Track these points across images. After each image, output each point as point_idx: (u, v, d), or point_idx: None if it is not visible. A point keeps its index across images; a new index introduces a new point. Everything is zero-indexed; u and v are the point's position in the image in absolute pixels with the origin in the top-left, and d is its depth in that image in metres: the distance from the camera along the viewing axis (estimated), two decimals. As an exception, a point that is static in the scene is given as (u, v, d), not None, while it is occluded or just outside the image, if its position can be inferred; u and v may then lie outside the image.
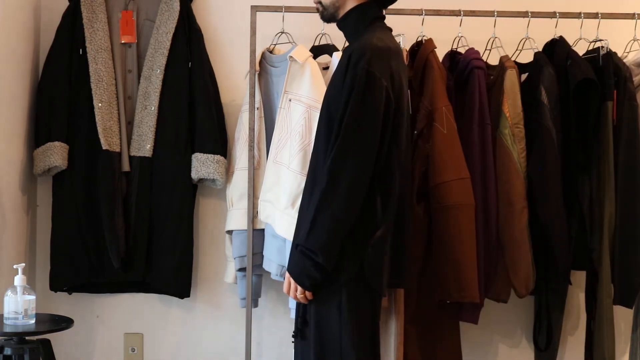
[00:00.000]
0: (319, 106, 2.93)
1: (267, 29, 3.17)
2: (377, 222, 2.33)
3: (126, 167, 3.23)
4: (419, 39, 3.12)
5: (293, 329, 2.46)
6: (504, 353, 3.51)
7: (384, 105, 2.30)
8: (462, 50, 3.15)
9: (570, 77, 3.03)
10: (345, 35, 2.53)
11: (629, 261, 3.03)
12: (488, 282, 3.04)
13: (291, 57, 3.02)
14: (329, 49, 3.16)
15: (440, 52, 3.12)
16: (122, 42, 3.29)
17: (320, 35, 3.20)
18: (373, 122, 2.28)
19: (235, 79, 3.39)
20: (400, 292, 2.92)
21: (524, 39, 3.21)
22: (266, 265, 3.09)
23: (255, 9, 3.12)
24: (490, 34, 3.19)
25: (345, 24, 2.48)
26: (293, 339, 2.46)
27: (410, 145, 2.86)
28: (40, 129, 3.22)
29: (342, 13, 2.47)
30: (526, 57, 3.20)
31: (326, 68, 3.12)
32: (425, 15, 3.12)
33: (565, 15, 3.17)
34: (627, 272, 3.04)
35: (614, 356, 3.04)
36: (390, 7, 3.10)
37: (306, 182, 2.46)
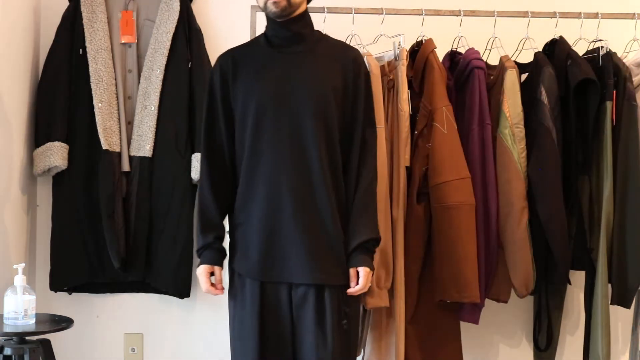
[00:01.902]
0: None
1: (267, 29, 3.17)
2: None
3: (126, 167, 3.23)
4: (419, 39, 3.12)
5: None
6: (504, 353, 3.51)
7: None
8: (462, 50, 3.15)
9: (570, 77, 3.03)
10: (298, 31, 2.56)
11: (628, 261, 3.03)
12: (488, 282, 3.04)
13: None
14: (329, 49, 3.16)
15: (440, 52, 3.12)
16: (122, 42, 3.29)
17: (320, 35, 3.20)
18: None
19: (235, 79, 3.39)
20: (401, 292, 2.92)
21: (524, 39, 3.21)
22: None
23: (255, 9, 3.11)
24: (490, 34, 3.19)
25: (304, 22, 2.59)
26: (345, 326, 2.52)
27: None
28: (40, 129, 3.22)
29: (298, 12, 2.55)
30: (526, 57, 3.20)
31: (326, 68, 3.12)
32: (425, 15, 3.12)
33: (565, 15, 3.18)
34: (625, 272, 3.04)
35: (609, 356, 3.03)
36: (390, 7, 3.13)
37: (325, 177, 2.51)
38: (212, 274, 2.54)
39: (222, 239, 2.56)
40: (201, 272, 2.53)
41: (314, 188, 2.47)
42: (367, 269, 2.49)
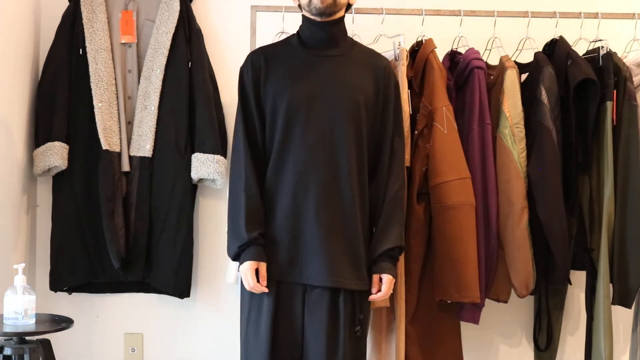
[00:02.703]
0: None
1: (267, 29, 3.17)
2: None
3: (126, 167, 3.23)
4: (419, 39, 3.12)
5: None
6: (504, 353, 3.51)
7: None
8: (462, 50, 3.16)
9: (570, 77, 3.03)
10: (335, 35, 2.60)
11: (628, 261, 3.03)
12: (488, 282, 3.04)
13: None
14: (329, 49, 3.16)
15: (440, 52, 3.12)
16: (122, 42, 3.29)
17: (320, 35, 3.20)
18: None
19: (235, 79, 3.37)
20: (401, 292, 2.92)
21: (524, 39, 3.21)
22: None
23: (255, 9, 3.12)
24: (490, 34, 3.19)
25: (341, 26, 2.63)
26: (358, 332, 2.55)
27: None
28: (40, 129, 3.22)
29: (338, 15, 2.59)
30: (526, 57, 3.20)
31: (326, 68, 3.12)
32: (425, 15, 3.12)
33: (565, 15, 3.18)
34: (626, 272, 3.04)
35: (611, 356, 3.03)
36: (391, 7, 3.13)
37: (351, 183, 2.54)
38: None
39: (264, 235, 2.53)
40: (247, 268, 2.48)
41: (341, 191, 2.49)
42: (391, 277, 2.53)
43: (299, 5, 2.61)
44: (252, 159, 2.53)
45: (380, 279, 2.53)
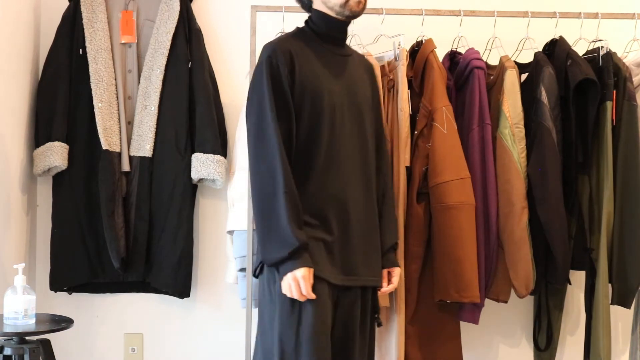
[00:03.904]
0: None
1: (267, 29, 3.17)
2: None
3: (126, 167, 3.23)
4: (419, 39, 3.12)
5: None
6: (504, 353, 3.51)
7: None
8: (462, 50, 3.15)
9: (570, 77, 3.03)
10: (343, 38, 2.59)
11: (628, 261, 3.03)
12: (488, 282, 3.04)
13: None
14: (329, 49, 3.16)
15: (440, 52, 3.12)
16: (122, 42, 3.29)
17: (320, 35, 3.20)
18: None
19: (235, 79, 3.39)
20: (401, 292, 2.92)
21: (524, 39, 3.21)
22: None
23: (255, 9, 3.12)
24: (490, 34, 3.19)
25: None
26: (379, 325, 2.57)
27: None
28: (40, 129, 3.22)
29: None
30: (526, 57, 3.19)
31: (326, 68, 3.12)
32: (425, 15, 3.12)
33: (565, 15, 3.17)
34: (625, 272, 3.04)
35: (610, 356, 3.04)
36: (391, 7, 3.13)
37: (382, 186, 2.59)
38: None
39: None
40: (305, 275, 2.28)
41: (371, 190, 2.52)
42: (399, 269, 2.63)
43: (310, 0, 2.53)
44: (285, 155, 2.33)
45: (389, 273, 2.57)
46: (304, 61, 2.43)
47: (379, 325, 2.55)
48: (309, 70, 2.43)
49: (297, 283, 2.28)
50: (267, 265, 2.37)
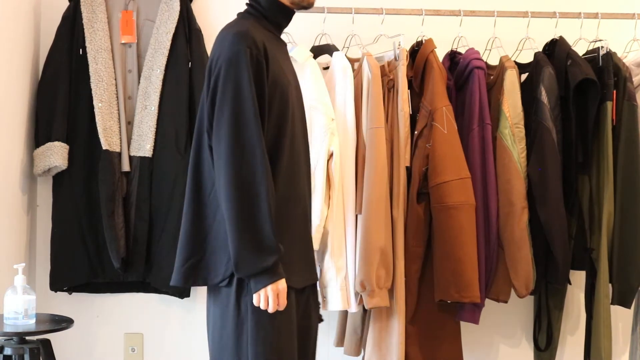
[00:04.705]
0: (319, 106, 2.93)
1: (267, 29, 3.17)
2: None
3: (126, 167, 3.23)
4: (419, 39, 3.12)
5: None
6: (504, 353, 3.51)
7: None
8: (462, 50, 3.16)
9: (570, 77, 3.03)
10: (285, 27, 2.44)
11: (628, 261, 3.04)
12: (488, 282, 3.04)
13: (291, 57, 3.02)
14: (329, 49, 3.15)
15: (440, 52, 3.12)
16: (122, 42, 3.29)
17: (320, 35, 3.20)
18: None
19: (235, 79, 3.38)
20: (401, 292, 2.92)
21: (524, 39, 3.21)
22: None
23: (255, 9, 3.11)
24: (490, 34, 3.19)
25: None
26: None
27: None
28: (40, 129, 3.22)
29: None
30: (526, 57, 3.20)
31: (326, 68, 3.12)
32: (425, 15, 3.13)
33: (565, 15, 3.18)
34: (625, 272, 3.04)
35: (610, 356, 3.04)
36: (391, 7, 3.13)
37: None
38: None
39: None
40: (285, 287, 2.15)
41: (310, 187, 2.46)
42: None
43: None
44: (265, 157, 2.15)
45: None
46: (272, 55, 2.24)
47: (321, 321, 2.47)
48: (277, 65, 2.26)
49: (276, 295, 2.13)
50: (244, 276, 2.15)
